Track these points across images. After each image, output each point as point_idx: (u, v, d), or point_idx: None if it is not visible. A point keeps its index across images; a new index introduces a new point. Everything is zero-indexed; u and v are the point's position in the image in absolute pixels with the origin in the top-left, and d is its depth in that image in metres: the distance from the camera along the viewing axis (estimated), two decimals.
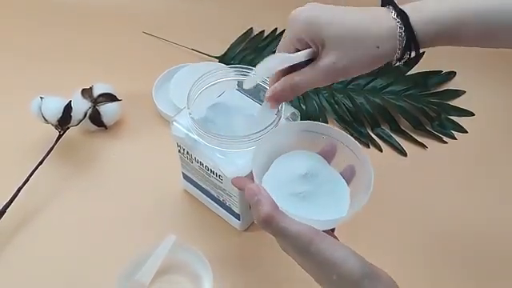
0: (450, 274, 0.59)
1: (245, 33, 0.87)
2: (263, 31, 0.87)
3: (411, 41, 0.44)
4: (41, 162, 0.65)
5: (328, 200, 0.46)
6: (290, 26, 0.47)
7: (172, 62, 0.80)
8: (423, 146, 0.73)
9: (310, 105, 0.77)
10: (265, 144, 0.48)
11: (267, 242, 0.62)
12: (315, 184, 0.46)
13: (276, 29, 0.87)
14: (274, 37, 0.86)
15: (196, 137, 0.53)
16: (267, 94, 0.48)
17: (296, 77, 0.46)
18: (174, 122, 0.56)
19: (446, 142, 0.73)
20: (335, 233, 0.46)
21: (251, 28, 0.88)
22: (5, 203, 0.62)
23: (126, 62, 0.83)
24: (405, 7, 0.44)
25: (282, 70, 0.48)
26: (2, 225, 0.61)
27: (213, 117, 0.56)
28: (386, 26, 0.43)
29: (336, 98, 0.77)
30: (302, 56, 0.46)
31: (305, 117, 0.75)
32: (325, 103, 0.77)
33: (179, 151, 0.59)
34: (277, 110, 0.51)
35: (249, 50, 0.85)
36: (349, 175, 0.48)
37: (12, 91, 0.78)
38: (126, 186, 0.67)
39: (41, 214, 0.64)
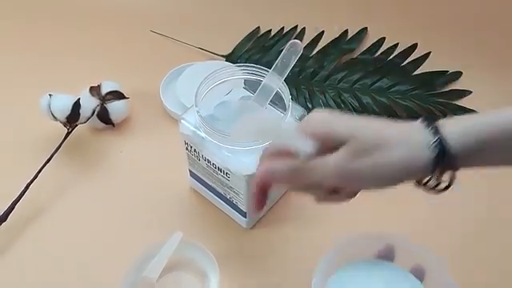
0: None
1: (252, 32, 0.87)
2: (270, 30, 0.88)
3: (445, 153, 0.37)
4: (49, 159, 0.66)
5: None
6: (305, 123, 0.40)
7: (179, 60, 0.81)
8: None
9: (316, 104, 0.77)
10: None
11: (274, 239, 0.63)
12: None
13: (283, 28, 0.87)
14: (281, 36, 0.87)
15: (204, 134, 0.54)
16: (255, 180, 0.42)
17: (298, 163, 0.39)
18: (182, 120, 0.56)
19: None
20: None
21: (258, 27, 0.88)
22: (13, 199, 0.62)
23: (134, 60, 0.84)
24: (438, 121, 0.38)
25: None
26: (11, 221, 0.62)
27: (220, 115, 0.57)
28: (417, 136, 0.37)
29: (342, 98, 0.77)
30: (309, 145, 0.39)
31: None
32: (331, 102, 0.77)
33: (186, 149, 0.59)
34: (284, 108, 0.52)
35: (256, 48, 0.85)
36: (417, 275, 0.46)
37: (21, 88, 0.79)
38: (133, 183, 0.68)
39: (49, 211, 0.65)
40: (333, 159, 0.37)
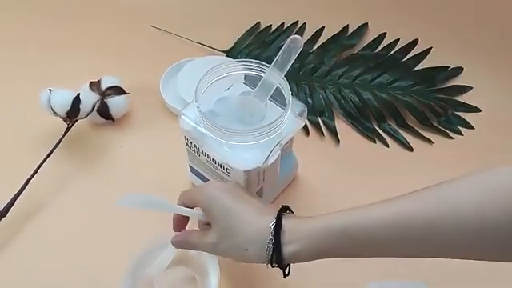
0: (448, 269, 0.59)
1: (252, 27, 0.87)
2: (270, 25, 0.87)
3: (277, 255, 0.45)
4: (49, 154, 0.66)
5: None
6: (188, 193, 0.53)
7: (179, 55, 0.81)
8: (429, 141, 0.73)
9: (316, 99, 0.77)
10: None
11: None
12: None
13: (283, 23, 0.87)
14: (281, 31, 0.86)
15: (204, 130, 0.54)
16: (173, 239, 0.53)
17: (191, 238, 0.51)
18: (182, 115, 0.56)
19: (452, 138, 0.74)
20: None
21: (258, 22, 0.88)
22: (14, 194, 0.62)
23: (134, 55, 0.83)
24: (288, 221, 0.45)
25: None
26: (11, 216, 0.62)
27: (220, 110, 0.57)
28: (260, 235, 0.45)
29: (343, 93, 0.77)
30: (195, 214, 0.52)
31: (311, 112, 0.75)
32: (331, 98, 0.77)
33: (186, 144, 0.59)
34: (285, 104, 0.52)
35: (256, 44, 0.85)
36: None
37: (21, 83, 0.79)
38: (133, 178, 0.68)
39: (49, 206, 0.65)
40: (208, 239, 0.49)
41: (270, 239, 0.44)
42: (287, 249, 0.44)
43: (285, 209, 0.47)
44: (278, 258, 0.45)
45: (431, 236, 0.39)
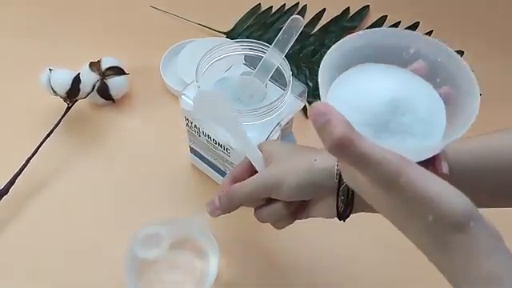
0: None
1: (252, 8, 0.87)
2: (271, 7, 0.87)
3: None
4: (49, 134, 0.66)
5: (420, 126, 0.35)
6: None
7: (179, 36, 0.80)
8: None
9: (316, 82, 0.76)
10: (333, 53, 0.37)
11: None
12: (404, 111, 0.35)
13: (284, 5, 0.87)
14: (282, 13, 0.86)
15: None
16: (207, 208, 0.51)
17: (236, 188, 0.49)
18: (183, 96, 0.56)
19: None
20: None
21: (259, 4, 0.87)
22: (14, 173, 0.63)
23: (134, 36, 0.83)
24: None
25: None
26: (12, 195, 0.62)
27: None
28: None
29: None
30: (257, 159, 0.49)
31: (311, 94, 0.75)
32: None
33: (187, 125, 0.60)
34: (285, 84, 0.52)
35: (256, 25, 0.85)
36: (444, 100, 0.38)
37: (21, 63, 0.78)
38: (133, 158, 0.68)
39: (49, 185, 0.65)
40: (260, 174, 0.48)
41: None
42: None
43: None
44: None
45: None
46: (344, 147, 0.30)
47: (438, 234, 0.31)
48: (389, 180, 0.30)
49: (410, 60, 0.38)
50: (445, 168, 0.36)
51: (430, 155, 0.35)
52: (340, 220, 0.46)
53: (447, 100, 0.37)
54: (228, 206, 0.49)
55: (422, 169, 0.31)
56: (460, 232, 0.30)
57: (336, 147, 0.30)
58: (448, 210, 0.30)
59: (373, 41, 0.38)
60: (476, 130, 0.73)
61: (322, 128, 0.30)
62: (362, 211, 0.45)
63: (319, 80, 0.36)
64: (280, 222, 0.50)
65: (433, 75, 0.38)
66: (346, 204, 0.44)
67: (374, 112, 0.35)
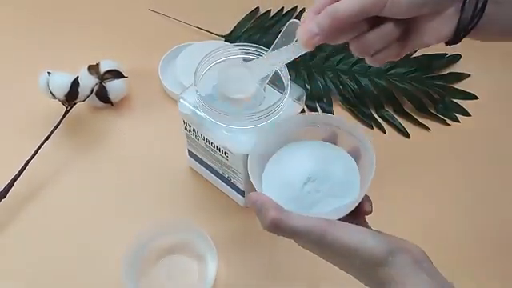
0: (446, 256, 0.60)
1: (251, 12, 0.87)
2: (269, 10, 0.87)
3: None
4: (48, 137, 0.66)
5: (337, 188, 0.44)
6: None
7: (178, 40, 0.80)
8: (426, 128, 0.73)
9: (314, 85, 0.77)
10: (261, 139, 0.47)
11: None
12: (322, 181, 0.44)
13: (283, 8, 0.87)
14: (280, 16, 0.86)
15: (202, 114, 0.54)
16: (303, 37, 0.43)
17: (338, 4, 0.41)
18: (181, 99, 0.56)
19: (449, 125, 0.74)
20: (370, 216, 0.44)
21: (257, 7, 0.87)
22: (13, 176, 0.63)
23: (133, 39, 0.83)
24: None
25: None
26: (11, 198, 0.62)
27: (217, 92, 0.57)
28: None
29: (341, 79, 0.78)
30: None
31: (310, 97, 0.75)
32: (330, 84, 0.77)
33: (185, 128, 0.60)
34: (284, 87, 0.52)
35: (255, 29, 0.85)
36: (354, 157, 0.46)
37: (20, 66, 0.78)
38: (131, 162, 0.68)
39: (48, 188, 0.65)
40: None
41: None
42: None
43: None
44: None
45: None
46: (276, 226, 0.38)
47: (368, 273, 0.38)
48: (318, 242, 0.38)
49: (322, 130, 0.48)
50: (368, 208, 0.43)
51: (352, 208, 0.42)
52: (455, 41, 0.43)
53: (357, 155, 0.46)
54: (331, 27, 0.41)
55: (344, 224, 0.38)
56: (382, 266, 0.36)
57: (270, 227, 0.39)
58: (368, 253, 0.37)
59: (288, 128, 0.48)
60: (476, 130, 0.74)
61: (258, 214, 0.40)
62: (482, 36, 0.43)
63: (249, 174, 0.44)
64: (387, 51, 0.44)
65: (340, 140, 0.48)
66: (474, 13, 0.41)
67: (297, 187, 0.44)
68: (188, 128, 0.59)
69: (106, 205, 0.64)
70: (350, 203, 0.42)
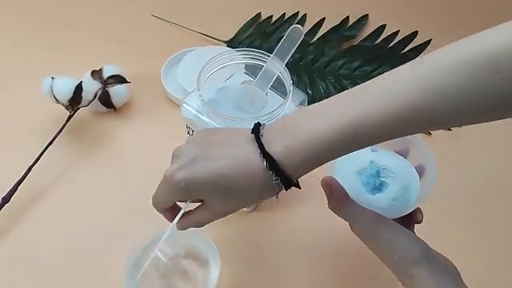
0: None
1: (253, 17, 0.88)
2: (271, 16, 0.88)
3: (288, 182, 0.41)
4: (51, 142, 0.67)
5: (399, 191, 0.49)
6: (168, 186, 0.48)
7: (180, 45, 0.81)
8: (428, 132, 0.73)
9: (316, 90, 0.77)
10: None
11: (274, 222, 0.64)
12: (388, 177, 0.50)
13: (284, 14, 0.88)
14: (282, 22, 0.87)
15: (205, 118, 0.54)
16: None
17: (191, 217, 0.49)
18: (184, 104, 0.56)
19: (450, 129, 0.74)
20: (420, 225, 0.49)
21: (259, 13, 0.88)
22: (16, 181, 0.63)
23: (135, 44, 0.84)
24: (275, 144, 0.40)
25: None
26: (14, 202, 0.62)
27: (221, 99, 0.57)
28: (260, 181, 0.41)
29: (342, 84, 0.78)
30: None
31: (311, 102, 0.76)
32: (331, 89, 0.78)
33: (188, 133, 0.60)
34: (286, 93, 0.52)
35: (257, 34, 0.85)
36: (419, 172, 0.51)
37: (24, 71, 0.79)
38: (134, 167, 0.69)
39: (51, 192, 0.65)
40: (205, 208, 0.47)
41: (272, 175, 0.40)
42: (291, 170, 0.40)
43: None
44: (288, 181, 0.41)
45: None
46: (339, 209, 0.46)
47: (403, 267, 0.43)
48: (368, 232, 0.45)
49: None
50: (419, 218, 0.48)
51: (407, 212, 0.47)
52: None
53: (420, 171, 0.51)
54: None
55: (392, 222, 0.45)
56: (417, 266, 0.42)
57: (334, 209, 0.46)
58: (408, 251, 0.43)
59: None
60: (476, 130, 0.74)
61: (328, 196, 0.46)
62: None
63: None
64: None
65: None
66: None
67: (364, 181, 0.50)
68: (191, 133, 0.59)
69: (108, 209, 0.64)
70: (407, 206, 0.47)
